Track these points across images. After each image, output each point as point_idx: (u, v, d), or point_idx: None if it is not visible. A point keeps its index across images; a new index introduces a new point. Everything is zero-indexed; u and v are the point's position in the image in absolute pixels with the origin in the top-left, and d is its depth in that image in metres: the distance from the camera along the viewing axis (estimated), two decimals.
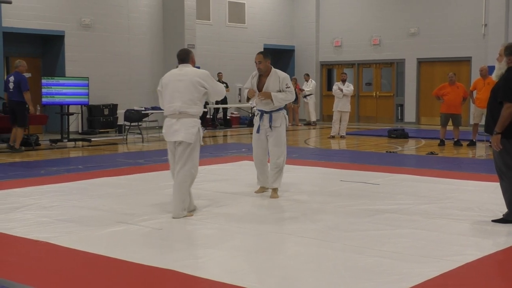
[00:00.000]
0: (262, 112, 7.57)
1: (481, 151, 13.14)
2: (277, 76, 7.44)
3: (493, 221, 6.25)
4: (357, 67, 22.68)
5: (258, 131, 7.63)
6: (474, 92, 14.32)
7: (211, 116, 20.20)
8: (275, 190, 7.65)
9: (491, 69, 14.27)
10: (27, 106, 12.96)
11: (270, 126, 7.50)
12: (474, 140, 14.06)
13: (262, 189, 7.84)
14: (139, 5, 19.00)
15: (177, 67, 6.75)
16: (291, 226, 6.18)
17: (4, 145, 14.23)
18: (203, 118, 17.90)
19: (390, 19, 21.55)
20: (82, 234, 5.80)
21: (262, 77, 7.50)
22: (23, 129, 13.04)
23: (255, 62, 7.45)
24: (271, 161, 7.64)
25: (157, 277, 4.55)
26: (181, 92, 6.48)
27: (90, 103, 16.35)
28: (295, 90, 20.57)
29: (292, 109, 21.01)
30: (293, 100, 7.73)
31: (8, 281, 4.42)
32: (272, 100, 7.41)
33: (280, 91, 7.41)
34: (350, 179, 9.03)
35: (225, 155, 12.42)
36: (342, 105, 16.60)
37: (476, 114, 13.94)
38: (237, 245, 5.52)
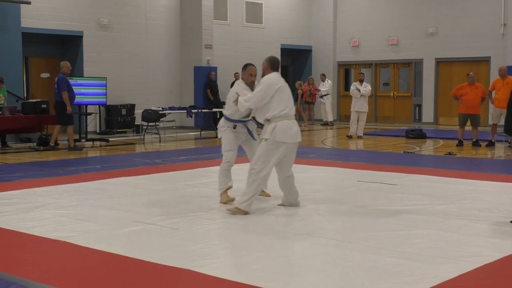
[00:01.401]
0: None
1: (500, 151, 13.04)
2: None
3: (511, 222, 6.22)
4: (375, 67, 22.60)
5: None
6: (493, 92, 14.21)
7: None
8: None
9: (510, 69, 14.24)
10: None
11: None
12: (493, 141, 13.95)
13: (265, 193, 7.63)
14: (156, 5, 19.07)
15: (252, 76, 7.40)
16: (308, 226, 6.17)
17: (23, 144, 14.39)
18: (218, 119, 18.02)
19: (408, 19, 21.45)
20: (99, 234, 5.84)
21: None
22: (68, 127, 13.37)
23: (250, 74, 7.35)
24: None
25: (174, 277, 4.56)
26: (291, 96, 6.95)
27: (108, 103, 16.46)
28: (312, 90, 20.20)
29: (308, 108, 21.12)
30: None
31: (27, 280, 4.45)
32: None
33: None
34: (367, 179, 9.00)
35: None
36: (359, 105, 16.57)
37: (495, 114, 13.84)
38: (254, 245, 5.52)
